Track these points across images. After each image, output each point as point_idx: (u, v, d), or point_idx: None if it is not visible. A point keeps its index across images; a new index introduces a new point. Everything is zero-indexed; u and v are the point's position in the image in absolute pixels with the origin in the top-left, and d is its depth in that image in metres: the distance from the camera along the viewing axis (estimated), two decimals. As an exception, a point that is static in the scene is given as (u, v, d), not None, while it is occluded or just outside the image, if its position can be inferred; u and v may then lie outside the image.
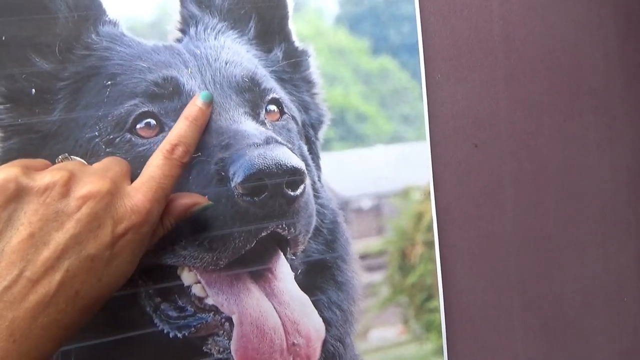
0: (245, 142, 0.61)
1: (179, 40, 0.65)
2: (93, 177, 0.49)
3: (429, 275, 0.76)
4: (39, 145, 0.59)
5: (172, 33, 0.65)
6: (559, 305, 0.85)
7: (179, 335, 0.64)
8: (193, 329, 0.64)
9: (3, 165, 0.48)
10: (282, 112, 0.67)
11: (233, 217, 0.61)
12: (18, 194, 0.46)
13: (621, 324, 0.89)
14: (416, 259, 0.76)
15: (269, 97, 0.66)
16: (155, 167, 0.54)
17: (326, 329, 0.68)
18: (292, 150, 0.63)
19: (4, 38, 0.58)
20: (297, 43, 0.69)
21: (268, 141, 0.61)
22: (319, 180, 0.70)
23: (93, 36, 0.61)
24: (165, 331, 0.64)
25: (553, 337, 0.85)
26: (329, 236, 0.70)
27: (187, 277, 0.64)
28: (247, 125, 0.63)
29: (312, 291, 0.69)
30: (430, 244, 0.76)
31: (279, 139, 0.63)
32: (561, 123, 0.84)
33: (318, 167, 0.70)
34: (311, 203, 0.66)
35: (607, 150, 0.87)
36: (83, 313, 0.48)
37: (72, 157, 0.55)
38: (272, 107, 0.66)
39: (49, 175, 0.47)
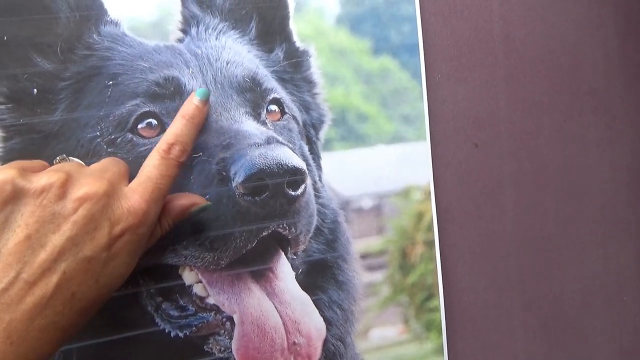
0: (246, 142, 0.61)
1: (180, 41, 0.65)
2: (90, 179, 0.49)
3: (429, 275, 0.76)
4: (40, 145, 0.59)
5: (173, 33, 0.65)
6: (559, 305, 0.86)
7: (180, 334, 0.64)
8: (194, 328, 0.64)
9: (0, 167, 0.48)
10: (283, 112, 0.67)
11: (234, 217, 0.61)
12: (15, 196, 0.46)
13: (621, 324, 0.90)
14: (416, 259, 0.76)
15: (270, 97, 0.66)
16: (151, 167, 0.54)
17: (327, 328, 0.68)
18: (293, 150, 0.63)
19: (5, 38, 0.58)
20: (298, 43, 0.69)
21: (269, 141, 0.61)
22: (320, 180, 0.70)
23: (95, 36, 0.61)
24: (166, 330, 0.64)
25: (553, 337, 0.85)
26: (329, 236, 0.70)
27: (188, 276, 0.64)
28: (248, 125, 0.63)
29: (313, 290, 0.69)
30: (431, 244, 0.76)
31: (280, 138, 0.63)
32: (561, 123, 0.84)
33: (319, 167, 0.70)
34: (312, 203, 0.66)
35: (607, 150, 0.87)
36: (80, 315, 0.48)
37: (70, 158, 0.55)
38: (273, 107, 0.67)
39: (46, 177, 0.47)
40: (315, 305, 0.68)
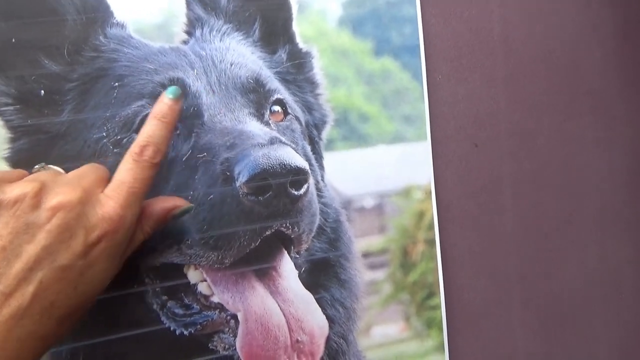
0: (249, 142, 0.61)
1: (185, 42, 0.65)
2: (64, 187, 0.48)
3: (430, 273, 0.77)
4: (47, 145, 0.60)
5: (178, 35, 0.65)
6: (558, 303, 0.86)
7: (185, 332, 0.65)
8: (199, 326, 0.65)
9: None
10: (286, 112, 0.68)
11: (238, 216, 0.61)
12: None
13: (619, 321, 0.90)
14: (417, 257, 0.76)
15: (273, 98, 0.67)
16: (124, 171, 0.52)
17: (329, 326, 0.68)
18: (295, 150, 0.63)
19: (13, 40, 0.59)
20: (301, 44, 0.70)
21: (272, 141, 0.61)
22: (322, 180, 0.70)
23: (101, 38, 0.62)
24: (171, 329, 0.64)
25: (552, 334, 0.86)
26: (332, 235, 0.71)
27: (193, 275, 0.64)
28: (252, 126, 0.63)
29: (316, 289, 0.69)
30: (432, 242, 0.76)
31: (283, 139, 0.63)
32: (560, 123, 0.84)
33: (321, 167, 0.71)
34: (314, 202, 0.66)
35: (605, 150, 0.87)
36: (60, 323, 0.48)
37: (48, 166, 0.54)
38: (276, 108, 0.67)
39: (20, 188, 0.47)
40: (318, 304, 0.68)
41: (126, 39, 0.63)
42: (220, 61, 0.65)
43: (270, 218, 0.63)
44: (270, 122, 0.66)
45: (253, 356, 0.64)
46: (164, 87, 0.62)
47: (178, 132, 0.62)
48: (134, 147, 0.53)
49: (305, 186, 0.63)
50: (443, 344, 0.78)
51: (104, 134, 0.61)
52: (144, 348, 0.64)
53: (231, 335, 0.65)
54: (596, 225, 0.88)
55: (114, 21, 0.62)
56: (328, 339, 0.68)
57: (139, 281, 0.63)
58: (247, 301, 0.64)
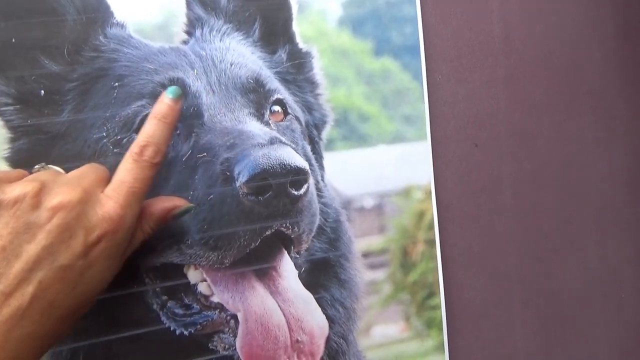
0: (249, 142, 0.61)
1: (185, 42, 0.65)
2: (65, 187, 0.48)
3: (430, 273, 0.77)
4: (47, 145, 0.60)
5: (178, 35, 0.65)
6: (558, 302, 0.86)
7: (185, 332, 0.65)
8: (199, 326, 0.65)
9: None
10: (286, 112, 0.68)
11: (238, 216, 0.61)
12: None
13: (619, 321, 0.90)
14: (417, 257, 0.76)
15: (273, 98, 0.67)
16: (124, 171, 0.52)
17: (329, 326, 0.68)
18: (295, 150, 0.63)
19: (13, 40, 0.59)
20: (301, 44, 0.70)
21: (272, 141, 0.61)
22: (322, 180, 0.70)
23: (101, 38, 0.62)
24: (171, 328, 0.65)
25: (552, 334, 0.86)
26: (332, 235, 0.71)
27: (193, 275, 0.64)
28: (252, 126, 0.63)
29: (316, 289, 0.69)
30: (432, 242, 0.77)
31: (283, 139, 0.63)
32: (560, 123, 0.84)
33: (321, 167, 0.71)
34: (314, 202, 0.66)
35: (605, 150, 0.87)
36: (60, 323, 0.48)
37: (49, 166, 0.54)
38: (276, 108, 0.67)
39: (20, 188, 0.47)
40: (318, 304, 0.68)
41: (126, 39, 0.63)
42: (220, 61, 0.65)
43: (270, 218, 0.63)
44: (270, 122, 0.66)
45: (253, 356, 0.64)
46: (164, 87, 0.62)
47: (178, 132, 0.62)
48: (134, 147, 0.53)
49: (305, 186, 0.63)
50: (443, 343, 0.78)
51: (104, 134, 0.61)
52: (144, 348, 0.64)
53: (231, 335, 0.65)
54: (596, 225, 0.88)
55: (114, 21, 0.62)
56: (328, 339, 0.68)
57: (139, 281, 0.63)
58: (247, 301, 0.64)
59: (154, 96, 0.61)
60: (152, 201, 0.57)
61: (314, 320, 0.67)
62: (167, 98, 0.56)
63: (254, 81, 0.66)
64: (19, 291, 0.45)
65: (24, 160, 0.58)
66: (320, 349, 0.67)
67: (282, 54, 0.69)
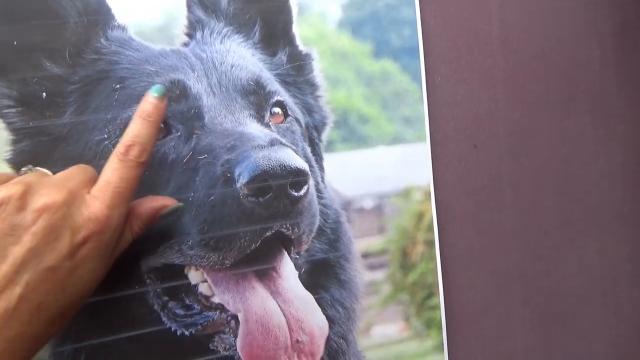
0: (250, 144, 0.61)
1: (185, 44, 0.66)
2: (50, 189, 0.48)
3: (429, 274, 0.77)
4: (49, 147, 0.60)
5: (179, 37, 0.66)
6: (557, 301, 0.86)
7: (186, 332, 0.65)
8: (200, 326, 0.65)
9: None
10: (286, 114, 0.68)
11: (239, 217, 0.61)
12: None
13: (618, 318, 0.90)
14: (417, 258, 0.76)
15: (274, 100, 0.67)
16: (110, 171, 0.52)
17: (329, 326, 0.68)
18: (295, 152, 0.63)
19: (15, 43, 0.59)
20: (301, 47, 0.70)
21: (272, 143, 0.61)
22: (322, 181, 0.71)
23: (102, 40, 0.62)
24: (172, 329, 0.65)
25: (552, 332, 0.86)
26: (332, 235, 0.71)
27: (194, 276, 0.65)
28: (252, 128, 0.63)
29: (316, 289, 0.69)
30: (431, 243, 0.77)
31: (283, 140, 0.63)
32: (559, 122, 0.84)
33: (321, 168, 0.71)
34: (314, 203, 0.66)
35: (604, 148, 0.87)
36: (49, 324, 0.48)
37: (36, 168, 0.53)
38: (277, 110, 0.67)
39: (5, 190, 0.47)
40: (318, 304, 0.68)
41: (127, 41, 0.63)
42: (221, 63, 0.65)
43: (270, 219, 0.63)
44: (270, 123, 0.66)
45: (253, 356, 0.64)
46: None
47: (179, 133, 0.62)
48: (120, 147, 0.53)
49: (305, 187, 0.63)
50: (442, 343, 0.78)
51: (106, 135, 0.61)
52: (145, 348, 0.64)
53: (232, 335, 0.66)
54: (595, 223, 0.88)
55: (115, 24, 0.63)
56: (328, 339, 0.68)
57: (140, 282, 0.64)
58: (248, 302, 0.65)
59: (155, 98, 0.62)
60: (140, 201, 0.57)
61: (314, 320, 0.67)
62: (151, 97, 0.56)
63: (255, 83, 0.66)
64: (6, 293, 0.46)
65: (26, 162, 0.58)
66: (320, 349, 0.67)
67: (282, 56, 0.69)
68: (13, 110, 0.59)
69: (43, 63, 0.60)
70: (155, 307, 0.65)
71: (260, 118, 0.66)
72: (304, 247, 0.68)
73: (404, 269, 0.76)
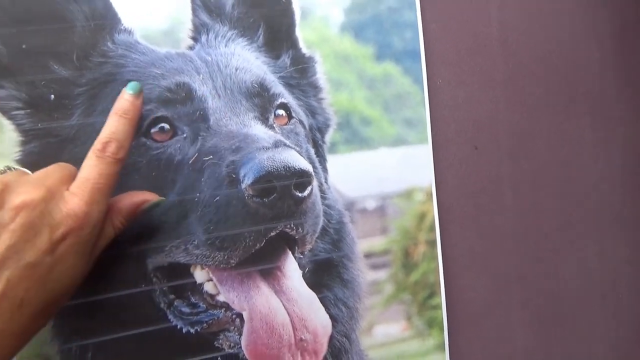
0: (255, 146, 0.61)
1: (191, 48, 0.66)
2: (28, 187, 0.49)
3: (431, 273, 0.77)
4: (57, 149, 0.61)
5: (184, 41, 0.66)
6: (557, 302, 0.87)
7: (192, 330, 0.66)
8: (205, 324, 0.66)
9: None
10: (290, 116, 0.68)
11: (244, 218, 0.62)
12: None
13: (618, 320, 0.90)
14: (419, 258, 0.77)
15: (278, 102, 0.67)
16: (88, 167, 0.52)
17: (332, 325, 0.69)
18: (299, 153, 0.63)
19: (24, 46, 0.60)
20: (304, 50, 0.71)
21: (277, 144, 0.62)
22: (326, 182, 0.71)
23: (109, 44, 0.63)
24: (178, 327, 0.65)
25: (551, 332, 0.86)
26: (335, 236, 0.71)
27: (199, 275, 0.65)
28: (257, 129, 0.64)
29: (319, 289, 0.70)
30: (433, 243, 0.77)
31: (287, 142, 0.64)
32: (559, 124, 0.85)
33: (325, 169, 0.71)
34: (318, 204, 0.66)
35: (604, 150, 0.88)
36: (32, 320, 0.48)
37: (14, 167, 0.53)
38: (281, 112, 0.68)
39: None
40: (322, 303, 0.69)
41: (133, 44, 0.64)
42: (226, 66, 0.66)
43: (274, 219, 0.63)
44: (274, 125, 0.67)
45: (258, 354, 0.65)
46: (170, 91, 0.63)
47: (185, 135, 0.63)
48: (97, 144, 0.54)
49: (309, 188, 0.64)
50: (444, 343, 0.78)
51: (113, 137, 0.62)
52: (152, 346, 0.65)
53: (236, 333, 0.66)
54: (595, 225, 0.88)
55: (122, 28, 0.63)
56: (331, 338, 0.69)
57: (146, 281, 0.64)
58: (252, 300, 0.65)
59: (161, 100, 0.62)
60: (121, 196, 0.57)
61: (318, 319, 0.67)
62: (127, 94, 0.57)
63: (259, 85, 0.67)
64: None
65: (34, 163, 0.58)
66: (323, 347, 0.67)
67: (285, 59, 0.70)
68: (22, 112, 0.60)
69: (51, 66, 0.61)
70: (162, 305, 0.65)
71: (264, 120, 0.66)
72: (308, 247, 0.68)
73: (406, 269, 0.76)
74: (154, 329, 0.65)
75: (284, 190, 0.62)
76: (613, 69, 0.87)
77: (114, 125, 0.55)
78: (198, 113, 0.64)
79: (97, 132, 0.60)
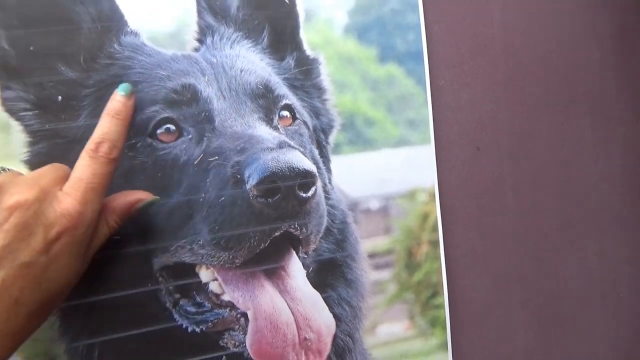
0: (259, 147, 0.62)
1: (196, 50, 0.67)
2: (21, 187, 0.49)
3: (434, 273, 0.78)
4: (65, 149, 0.61)
5: (190, 43, 0.67)
6: (558, 302, 0.87)
7: (197, 329, 0.66)
8: (210, 324, 0.66)
9: None
10: (294, 117, 0.69)
11: (248, 218, 0.62)
12: None
13: (618, 320, 0.91)
14: (422, 258, 0.77)
15: (282, 103, 0.68)
16: (81, 167, 0.53)
17: (336, 324, 0.69)
18: (304, 154, 0.64)
19: (32, 48, 0.60)
20: (308, 52, 0.71)
21: (281, 145, 0.62)
22: (330, 183, 0.71)
23: (116, 46, 0.63)
24: (184, 326, 0.66)
25: (552, 332, 0.87)
26: (339, 236, 0.72)
27: (205, 274, 0.65)
28: (261, 130, 0.64)
29: (323, 288, 0.70)
30: (435, 243, 0.77)
31: (292, 143, 0.64)
32: (559, 124, 0.85)
33: (329, 170, 0.72)
34: (322, 204, 0.67)
35: (604, 151, 0.88)
36: (27, 320, 0.48)
37: (8, 168, 0.54)
38: (285, 113, 0.68)
39: None
40: (325, 303, 0.69)
41: (140, 46, 0.64)
42: (231, 68, 0.66)
43: (279, 219, 0.63)
44: (279, 126, 0.67)
45: (262, 353, 0.65)
46: (176, 93, 0.63)
47: (190, 136, 0.63)
48: (90, 144, 0.54)
49: (313, 189, 0.64)
50: (447, 342, 0.79)
51: (118, 138, 0.62)
52: (157, 344, 0.65)
53: (241, 332, 0.66)
54: (595, 225, 0.88)
55: (128, 30, 0.64)
56: (335, 337, 0.69)
57: (152, 280, 0.65)
58: (257, 300, 0.65)
59: (167, 102, 0.63)
60: (115, 196, 0.57)
61: (322, 318, 0.68)
62: (118, 95, 0.58)
63: (263, 87, 0.67)
64: None
65: (42, 163, 0.58)
66: (327, 346, 0.68)
67: (290, 61, 0.70)
68: (30, 113, 0.60)
69: (58, 67, 0.61)
70: (167, 304, 0.65)
71: (269, 121, 0.66)
72: (312, 246, 0.68)
73: (409, 269, 0.77)
74: (160, 328, 0.65)
75: (288, 191, 0.62)
76: (613, 69, 0.87)
77: (106, 125, 0.56)
78: (203, 114, 0.64)
79: (104, 133, 0.61)
